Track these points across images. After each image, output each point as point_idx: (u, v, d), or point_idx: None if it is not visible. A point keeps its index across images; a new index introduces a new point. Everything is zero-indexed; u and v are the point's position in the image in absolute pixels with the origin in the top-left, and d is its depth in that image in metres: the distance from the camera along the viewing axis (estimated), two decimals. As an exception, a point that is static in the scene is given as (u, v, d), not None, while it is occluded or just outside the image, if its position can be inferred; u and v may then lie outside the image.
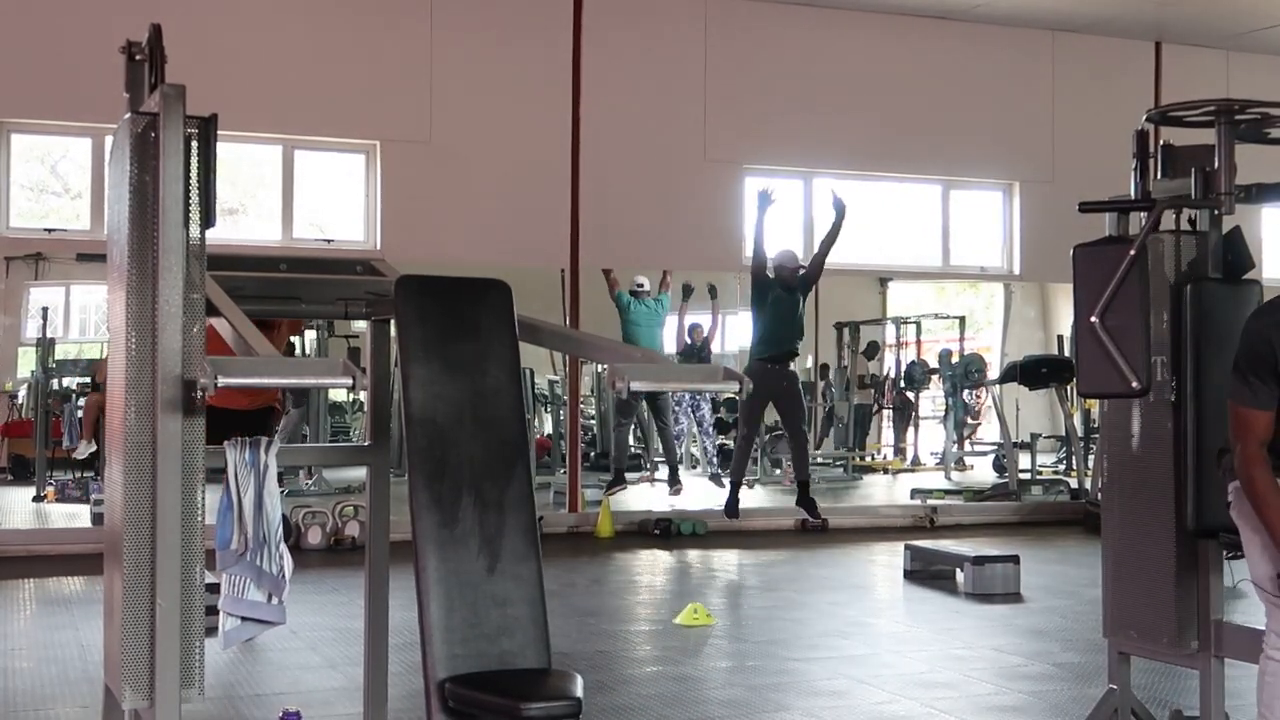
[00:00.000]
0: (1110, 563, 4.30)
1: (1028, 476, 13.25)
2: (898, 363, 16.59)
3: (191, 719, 3.09)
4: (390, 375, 3.99)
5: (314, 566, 8.40)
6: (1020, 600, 7.60)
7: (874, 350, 16.40)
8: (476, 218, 10.26)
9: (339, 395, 14.16)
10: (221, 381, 2.77)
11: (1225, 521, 3.70)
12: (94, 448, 11.07)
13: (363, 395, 6.79)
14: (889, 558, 9.16)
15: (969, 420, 15.93)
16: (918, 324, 16.79)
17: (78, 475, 11.90)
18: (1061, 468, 14.68)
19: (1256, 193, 4.15)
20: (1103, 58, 12.04)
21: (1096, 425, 10.27)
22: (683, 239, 10.92)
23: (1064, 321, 14.86)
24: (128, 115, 3.09)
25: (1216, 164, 4.11)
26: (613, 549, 9.73)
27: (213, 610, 3.08)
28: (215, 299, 3.14)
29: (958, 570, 7.98)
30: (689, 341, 12.79)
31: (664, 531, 10.28)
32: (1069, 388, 12.34)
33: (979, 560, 7.79)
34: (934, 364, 15.75)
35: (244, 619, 3.12)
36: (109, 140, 3.84)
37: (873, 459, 16.45)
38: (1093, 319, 3.86)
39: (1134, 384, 3.81)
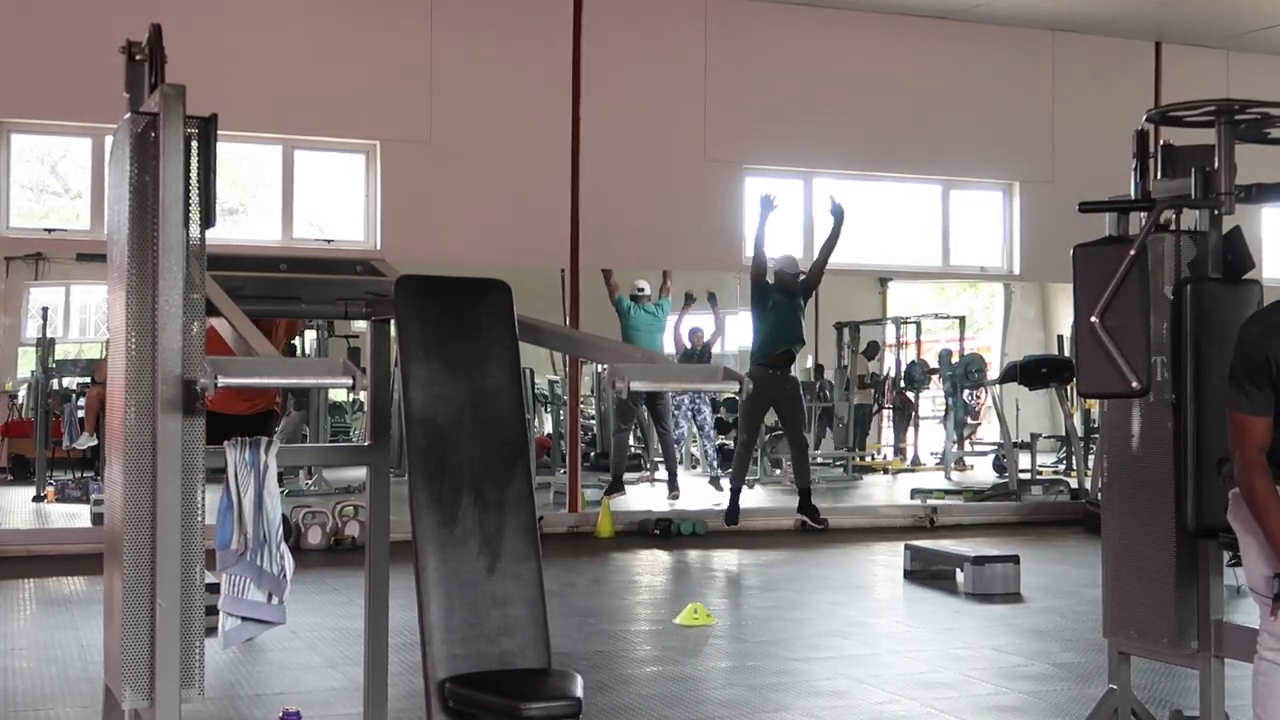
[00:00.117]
0: (1110, 563, 4.30)
1: (1028, 476, 13.25)
2: (898, 363, 16.60)
3: (191, 719, 3.09)
4: (390, 375, 3.99)
5: (314, 566, 8.40)
6: (1020, 600, 7.60)
7: (874, 350, 16.41)
8: (476, 218, 10.26)
9: (339, 395, 14.16)
10: (221, 381, 2.77)
11: (1225, 522, 3.71)
12: (95, 441, 11.07)
13: (363, 395, 6.79)
14: (889, 558, 9.16)
15: (969, 420, 15.93)
16: (918, 324, 16.79)
17: (78, 475, 11.90)
18: (1061, 468, 14.68)
19: (1256, 193, 4.15)
20: (1103, 58, 12.04)
21: (1096, 425, 10.27)
22: (683, 239, 10.92)
23: (1064, 321, 14.87)
24: (128, 115, 3.09)
25: (1216, 164, 4.11)
26: (613, 549, 9.73)
27: (213, 610, 3.07)
28: (215, 299, 3.14)
29: (958, 570, 7.98)
30: (689, 345, 12.77)
31: (664, 531, 10.27)
32: (1069, 388, 12.34)
33: (979, 560, 7.79)
34: (934, 364, 15.75)
35: (244, 619, 3.12)
36: (109, 140, 3.84)
37: (873, 459, 16.45)
38: (1093, 319, 3.86)
39: (1134, 384, 3.81)
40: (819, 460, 14.78)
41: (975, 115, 11.74)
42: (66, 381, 13.20)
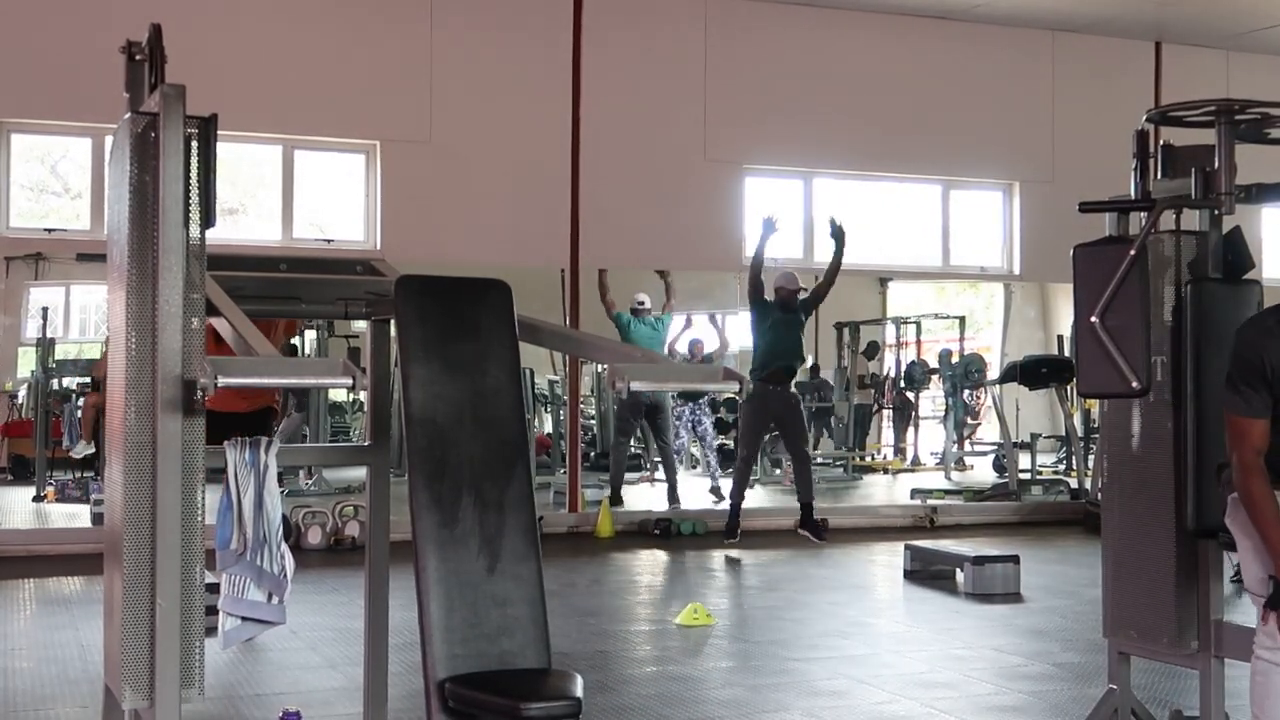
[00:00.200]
0: (1110, 563, 4.30)
1: (1028, 476, 13.25)
2: (898, 363, 16.59)
3: (191, 719, 3.09)
4: (390, 375, 3.99)
5: (314, 566, 8.40)
6: (1020, 600, 7.60)
7: (874, 350, 16.40)
8: (476, 218, 10.26)
9: (339, 395, 14.16)
10: (221, 381, 2.77)
11: (1225, 522, 3.72)
12: (92, 449, 11.05)
13: (363, 395, 6.79)
14: (889, 558, 9.16)
15: (969, 420, 15.93)
16: (918, 324, 16.79)
17: (78, 475, 11.89)
18: (1061, 468, 14.68)
19: (1256, 193, 4.16)
20: (1103, 58, 12.04)
21: (1096, 425, 10.27)
22: (683, 239, 10.92)
23: (1064, 321, 14.87)
24: (128, 115, 3.09)
25: (1216, 164, 4.11)
26: (613, 549, 9.73)
27: (213, 610, 3.07)
28: (215, 299, 3.14)
29: (958, 570, 7.98)
30: (689, 356, 12.67)
31: (664, 531, 10.28)
32: (1069, 388, 12.34)
33: (979, 560, 7.79)
34: (934, 364, 15.75)
35: (244, 619, 3.12)
36: (109, 140, 3.84)
37: (873, 459, 16.45)
38: (1093, 319, 3.85)
39: (1134, 384, 3.81)
40: (819, 460, 14.78)
41: (975, 115, 11.74)
42: (67, 381, 13.19)
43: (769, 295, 9.75)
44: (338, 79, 9.96)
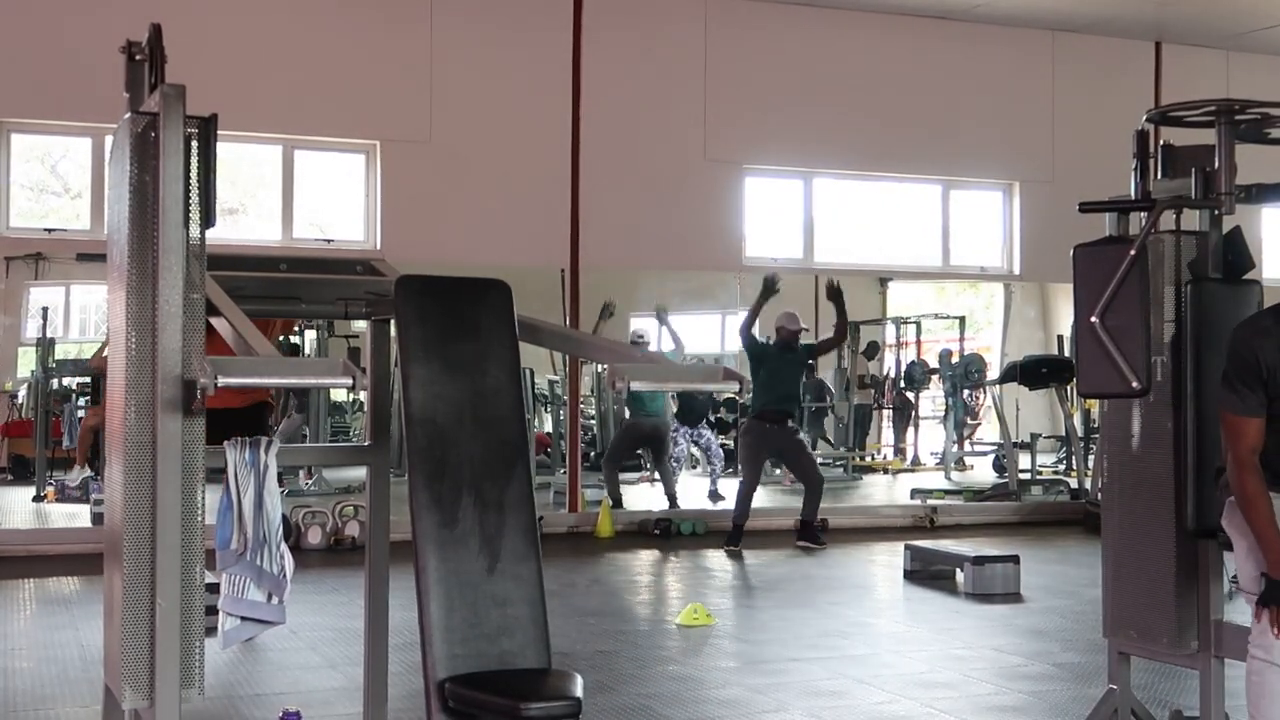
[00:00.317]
0: (1110, 563, 4.30)
1: (1028, 476, 13.25)
2: (898, 363, 16.58)
3: (191, 719, 3.09)
4: (390, 375, 3.99)
5: (314, 566, 8.40)
6: (1020, 600, 7.60)
7: (874, 350, 16.39)
8: (476, 218, 10.27)
9: (339, 395, 14.14)
10: (221, 381, 2.77)
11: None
12: (88, 473, 10.99)
13: (363, 395, 6.78)
14: (889, 558, 9.16)
15: (969, 420, 15.92)
16: (918, 324, 16.78)
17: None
18: (1061, 468, 14.68)
19: (1256, 193, 4.16)
20: (1103, 58, 12.04)
21: (1096, 425, 10.27)
22: (683, 239, 10.92)
23: (1064, 321, 14.85)
24: (128, 115, 3.09)
25: (1216, 164, 4.11)
26: (613, 549, 9.73)
27: (213, 610, 3.07)
28: (215, 299, 3.14)
29: (958, 570, 7.98)
30: None
31: (664, 531, 10.28)
32: (1069, 388, 12.33)
33: (979, 560, 7.80)
34: (934, 364, 15.74)
35: (244, 619, 3.12)
36: (109, 140, 3.84)
37: (873, 459, 16.45)
38: (1093, 319, 3.86)
39: (1134, 384, 3.81)
40: (819, 460, 14.76)
41: (975, 115, 11.74)
42: (67, 381, 13.19)
43: (768, 335, 9.79)
44: (338, 79, 9.96)
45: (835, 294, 9.83)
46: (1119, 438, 4.23)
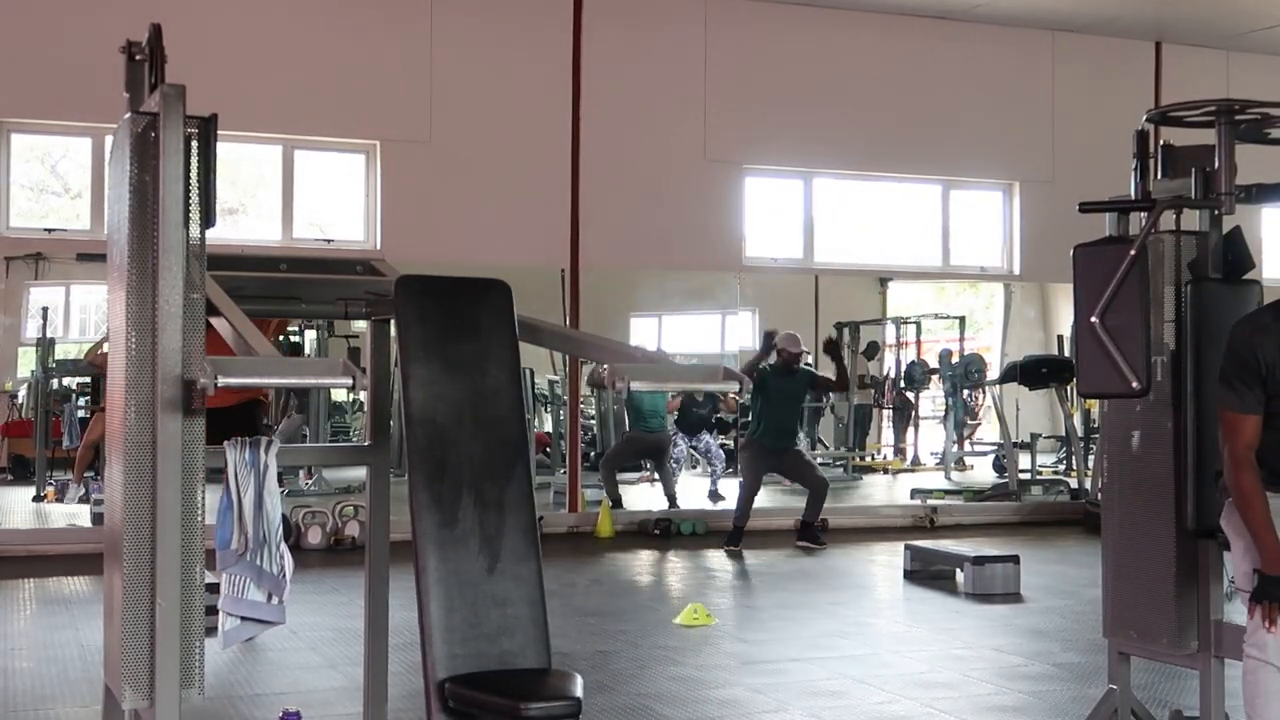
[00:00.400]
0: (1110, 563, 4.30)
1: (1028, 476, 13.24)
2: (898, 363, 16.57)
3: (191, 719, 3.09)
4: (390, 375, 3.99)
5: (314, 566, 8.40)
6: (1020, 600, 7.60)
7: (874, 350, 16.38)
8: (476, 218, 10.27)
9: (339, 395, 14.14)
10: (221, 381, 2.77)
11: (1223, 523, 3.74)
12: (83, 491, 10.96)
13: (363, 395, 6.79)
14: (889, 558, 9.16)
15: (969, 420, 15.91)
16: (918, 324, 16.77)
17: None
18: (1061, 468, 14.67)
19: (1256, 193, 4.16)
20: (1103, 58, 12.04)
21: (1096, 425, 10.26)
22: (683, 239, 10.92)
23: (1064, 321, 14.85)
24: (128, 115, 3.09)
25: (1216, 164, 4.11)
26: (613, 549, 9.73)
27: (213, 610, 3.07)
28: (215, 299, 3.14)
29: (958, 570, 7.98)
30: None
31: (664, 531, 10.28)
32: (1069, 388, 12.33)
33: (979, 560, 7.79)
34: (934, 364, 15.73)
35: (244, 619, 3.12)
36: (109, 140, 3.84)
37: (873, 459, 16.44)
38: (1093, 319, 3.86)
39: (1134, 384, 3.81)
40: (819, 460, 14.77)
41: (975, 115, 11.74)
42: (67, 381, 13.18)
43: (772, 357, 9.82)
44: (338, 79, 9.96)
45: (833, 349, 10.03)
46: (1119, 438, 4.23)
